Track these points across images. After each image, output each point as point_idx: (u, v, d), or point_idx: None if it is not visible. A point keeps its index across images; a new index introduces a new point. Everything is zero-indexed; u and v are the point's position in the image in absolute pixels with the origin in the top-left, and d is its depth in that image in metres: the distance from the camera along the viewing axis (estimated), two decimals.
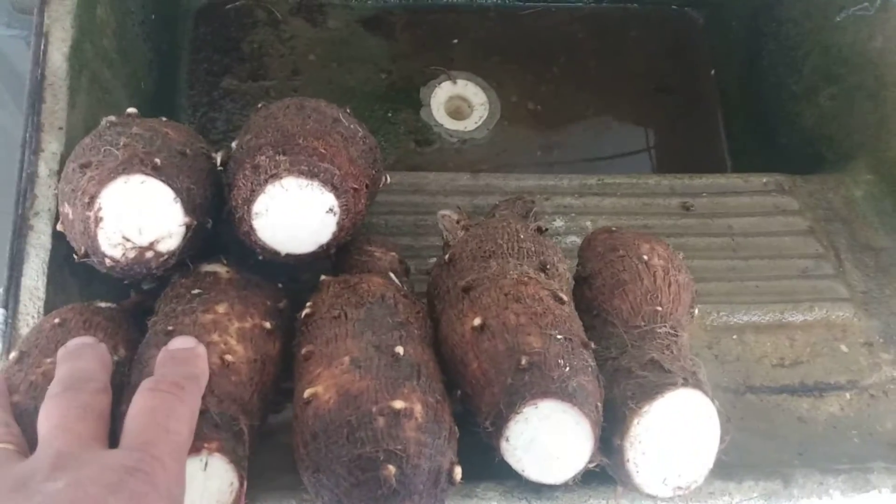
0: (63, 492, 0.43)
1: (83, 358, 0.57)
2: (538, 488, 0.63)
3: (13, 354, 0.62)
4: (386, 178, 0.81)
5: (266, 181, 0.64)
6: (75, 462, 0.46)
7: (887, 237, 0.94)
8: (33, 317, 0.72)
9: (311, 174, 0.65)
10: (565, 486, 0.62)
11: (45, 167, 0.76)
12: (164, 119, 0.75)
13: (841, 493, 0.68)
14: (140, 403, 0.52)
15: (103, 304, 0.68)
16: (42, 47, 0.80)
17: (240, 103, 1.21)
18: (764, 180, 0.98)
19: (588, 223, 0.90)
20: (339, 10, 1.31)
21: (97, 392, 0.54)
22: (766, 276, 0.88)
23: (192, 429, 0.53)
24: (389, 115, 1.26)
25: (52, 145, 0.77)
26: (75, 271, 0.76)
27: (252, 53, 1.25)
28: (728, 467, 0.65)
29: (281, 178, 0.64)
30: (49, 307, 0.72)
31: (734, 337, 0.83)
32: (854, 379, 0.82)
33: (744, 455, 0.73)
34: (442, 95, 1.28)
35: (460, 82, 1.30)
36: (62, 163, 0.76)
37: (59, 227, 0.69)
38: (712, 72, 1.36)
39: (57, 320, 0.64)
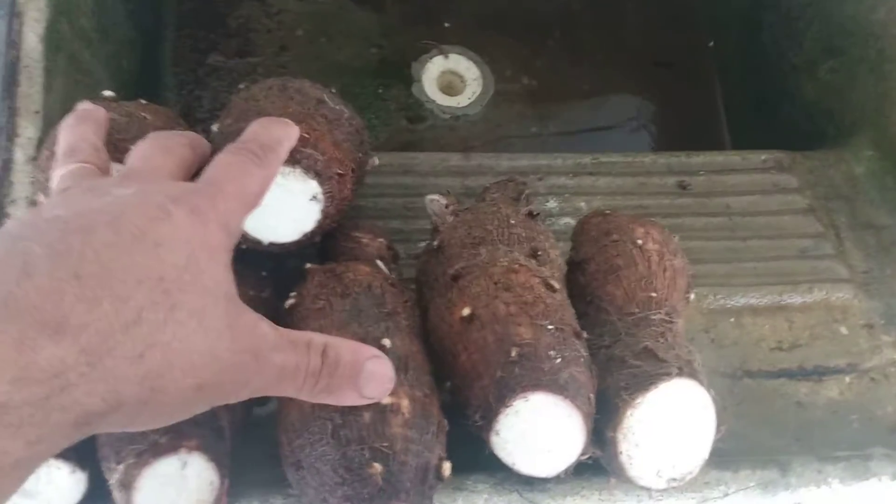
0: (131, 196, 0.45)
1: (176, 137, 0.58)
2: (529, 480, 0.62)
3: None
4: (375, 161, 0.78)
5: None
6: (148, 178, 0.49)
7: (889, 215, 0.92)
8: None
9: (293, 161, 0.62)
10: (557, 478, 0.61)
11: (21, 153, 0.74)
12: (143, 102, 0.73)
13: (840, 482, 0.67)
14: (218, 159, 0.53)
15: None
16: (16, 28, 0.78)
17: (226, 80, 1.18)
18: (763, 157, 0.96)
19: (582, 204, 0.88)
20: None
21: (185, 144, 0.56)
22: (764, 257, 0.86)
23: (263, 191, 0.54)
24: (380, 91, 1.23)
25: (28, 130, 0.75)
26: None
27: (238, 29, 1.22)
28: (724, 455, 0.64)
29: None
30: None
31: (731, 320, 0.81)
32: (854, 362, 0.81)
33: (741, 442, 0.72)
34: (434, 70, 1.26)
35: (453, 57, 1.27)
36: (39, 148, 0.74)
37: None
38: (711, 44, 1.33)
39: None
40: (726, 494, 0.65)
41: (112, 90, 0.90)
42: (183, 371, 0.43)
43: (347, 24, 1.25)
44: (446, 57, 1.26)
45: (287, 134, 0.59)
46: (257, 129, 0.57)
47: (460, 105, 1.24)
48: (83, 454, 0.56)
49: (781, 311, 0.82)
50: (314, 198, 0.65)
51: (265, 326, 0.49)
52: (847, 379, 0.80)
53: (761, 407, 0.77)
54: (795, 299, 0.83)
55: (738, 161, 0.95)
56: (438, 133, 1.21)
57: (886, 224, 0.92)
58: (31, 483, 0.55)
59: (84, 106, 0.60)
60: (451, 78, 1.27)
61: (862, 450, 0.70)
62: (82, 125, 0.57)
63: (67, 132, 0.56)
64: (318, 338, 0.51)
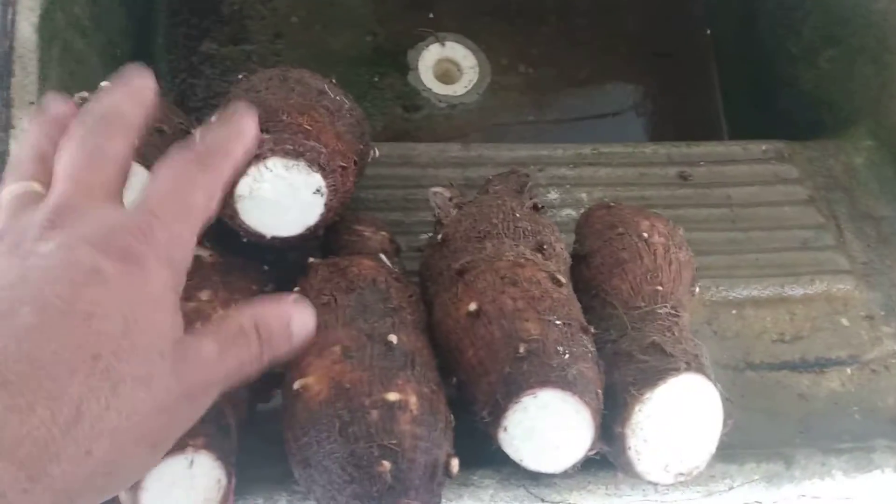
0: (54, 254, 0.40)
1: (115, 93, 0.51)
2: (536, 475, 0.62)
3: None
4: (375, 152, 0.77)
5: (249, 162, 0.60)
6: (72, 218, 0.43)
7: (888, 206, 0.92)
8: None
9: (297, 154, 0.62)
10: (564, 474, 0.60)
11: (16, 145, 0.73)
12: None
13: (843, 474, 0.67)
14: (156, 173, 0.48)
15: None
16: (10, 17, 0.76)
17: (220, 68, 1.16)
18: (763, 147, 0.95)
19: (583, 195, 0.88)
20: None
21: (119, 135, 0.49)
22: (765, 249, 0.86)
23: (213, 198, 0.49)
24: (376, 79, 1.22)
25: (22, 121, 0.73)
26: None
27: (232, 16, 1.20)
28: (729, 448, 0.64)
29: (265, 158, 0.61)
30: None
31: (733, 312, 0.81)
32: (855, 353, 0.81)
33: (744, 434, 0.72)
34: (430, 58, 1.24)
35: (449, 44, 1.26)
36: None
37: None
38: (707, 32, 1.33)
39: None
40: (731, 487, 0.66)
41: (106, 79, 0.89)
42: (136, 443, 0.40)
43: (342, 12, 1.24)
44: (443, 45, 1.25)
45: (239, 131, 0.53)
46: (205, 130, 0.52)
47: (457, 93, 1.23)
48: None
49: (783, 303, 0.82)
50: (318, 191, 0.64)
51: (207, 343, 0.45)
52: (848, 370, 0.80)
53: (764, 399, 0.77)
54: (797, 291, 0.83)
55: (738, 151, 0.95)
56: (435, 122, 1.20)
57: (886, 215, 0.92)
58: None
59: (47, 102, 0.54)
60: (448, 66, 1.26)
61: (864, 441, 0.70)
62: (37, 127, 0.51)
63: (25, 137, 0.52)
64: (247, 319, 0.47)
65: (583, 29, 1.31)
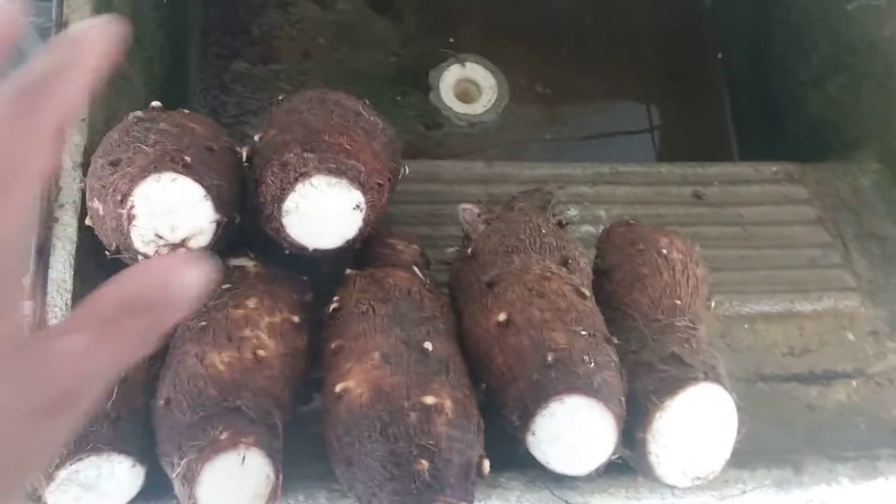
0: None
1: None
2: (560, 478, 0.65)
3: None
4: (405, 169, 0.82)
5: (296, 179, 0.65)
6: None
7: (893, 226, 0.96)
8: (61, 309, 0.73)
9: (339, 172, 0.66)
10: (586, 476, 0.64)
11: (68, 159, 0.76)
12: (185, 112, 0.76)
13: (850, 480, 0.71)
14: None
15: None
16: (61, 32, 0.80)
17: (250, 87, 1.21)
18: (774, 169, 0.99)
19: (602, 212, 0.92)
20: None
21: None
22: (776, 266, 0.90)
23: (38, 152, 0.31)
24: (398, 98, 1.26)
25: (75, 137, 0.77)
26: (100, 264, 0.77)
27: (262, 36, 1.24)
28: (740, 455, 0.67)
29: (310, 176, 0.65)
30: (77, 300, 0.73)
31: (746, 326, 0.85)
32: (860, 367, 0.84)
33: (755, 443, 0.75)
34: (451, 78, 1.29)
35: (469, 65, 1.30)
36: (86, 155, 0.77)
37: (87, 222, 0.70)
38: (719, 55, 1.37)
39: None
40: (744, 492, 0.69)
41: (145, 96, 0.93)
42: None
43: (367, 33, 1.28)
44: (463, 65, 1.29)
45: (68, 61, 0.32)
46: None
47: (476, 112, 1.27)
48: (145, 449, 0.60)
49: (793, 318, 0.86)
50: (357, 207, 0.68)
51: (67, 342, 0.30)
52: (854, 383, 0.84)
53: (774, 409, 0.81)
54: (806, 307, 0.87)
55: (750, 172, 0.99)
56: (455, 139, 1.25)
57: (891, 234, 0.96)
58: (91, 476, 0.58)
59: None
60: (468, 86, 1.30)
61: (869, 450, 0.74)
62: None
63: None
64: (116, 297, 0.32)
65: (598, 51, 1.36)
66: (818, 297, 0.87)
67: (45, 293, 0.73)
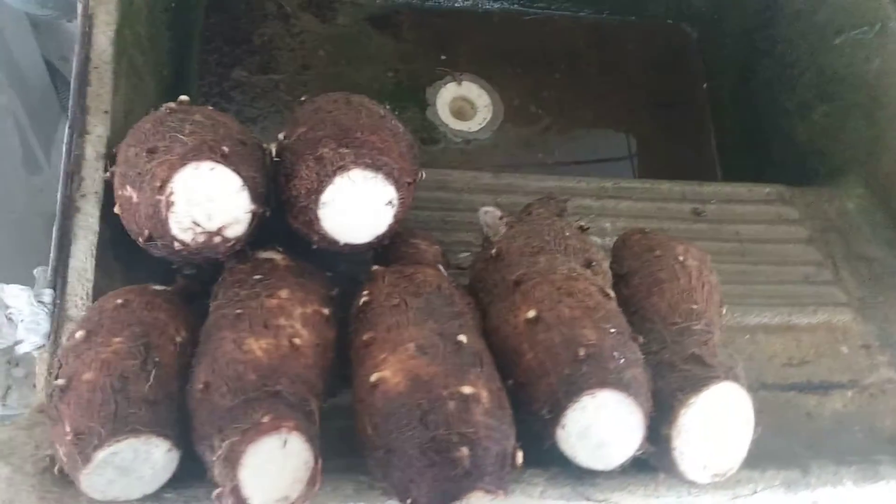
0: None
1: None
2: (581, 475, 0.66)
3: (79, 333, 0.62)
4: (422, 174, 0.83)
5: (334, 172, 0.65)
6: None
7: (879, 248, 1.00)
8: (82, 298, 0.72)
9: (376, 167, 0.67)
10: (606, 473, 0.66)
11: (91, 150, 0.76)
12: (211, 108, 0.76)
13: (853, 483, 0.73)
14: None
15: (159, 288, 0.69)
16: (86, 29, 0.80)
17: (249, 95, 1.22)
18: (766, 190, 1.03)
19: (607, 224, 0.94)
20: (347, 7, 1.33)
21: None
22: (772, 280, 0.93)
23: None
24: (396, 113, 1.27)
25: (97, 128, 0.77)
26: (119, 255, 0.77)
27: (262, 46, 1.26)
28: (750, 457, 0.69)
29: (349, 169, 0.66)
30: (97, 289, 0.72)
31: (747, 337, 0.88)
32: (855, 378, 0.88)
33: (759, 447, 0.77)
34: (447, 96, 1.31)
35: (465, 83, 1.33)
36: (108, 146, 0.77)
37: (116, 210, 0.70)
38: (704, 86, 1.42)
39: (120, 301, 0.65)
40: (755, 492, 0.71)
41: (155, 96, 0.93)
42: None
43: (366, 48, 1.30)
44: (459, 84, 1.32)
45: None
46: None
47: (471, 130, 1.30)
48: (181, 434, 0.59)
49: (790, 331, 0.90)
50: (390, 202, 0.69)
51: None
52: (849, 393, 0.87)
53: (775, 417, 0.83)
54: (802, 320, 0.90)
55: (745, 192, 1.03)
56: (450, 155, 1.27)
57: (877, 256, 1.00)
58: (127, 459, 0.57)
59: None
60: (462, 104, 1.33)
61: (866, 457, 0.77)
62: None
63: None
64: None
65: (590, 77, 1.40)
66: (813, 311, 0.91)
67: (65, 282, 0.72)
